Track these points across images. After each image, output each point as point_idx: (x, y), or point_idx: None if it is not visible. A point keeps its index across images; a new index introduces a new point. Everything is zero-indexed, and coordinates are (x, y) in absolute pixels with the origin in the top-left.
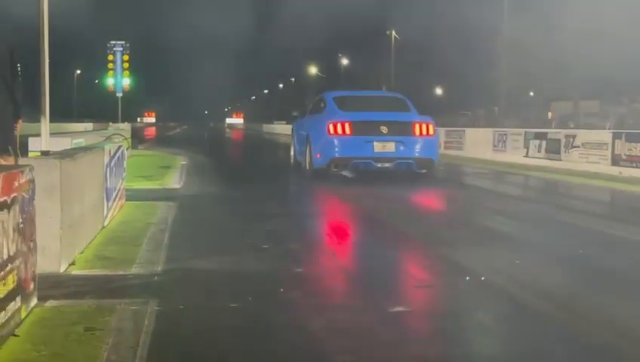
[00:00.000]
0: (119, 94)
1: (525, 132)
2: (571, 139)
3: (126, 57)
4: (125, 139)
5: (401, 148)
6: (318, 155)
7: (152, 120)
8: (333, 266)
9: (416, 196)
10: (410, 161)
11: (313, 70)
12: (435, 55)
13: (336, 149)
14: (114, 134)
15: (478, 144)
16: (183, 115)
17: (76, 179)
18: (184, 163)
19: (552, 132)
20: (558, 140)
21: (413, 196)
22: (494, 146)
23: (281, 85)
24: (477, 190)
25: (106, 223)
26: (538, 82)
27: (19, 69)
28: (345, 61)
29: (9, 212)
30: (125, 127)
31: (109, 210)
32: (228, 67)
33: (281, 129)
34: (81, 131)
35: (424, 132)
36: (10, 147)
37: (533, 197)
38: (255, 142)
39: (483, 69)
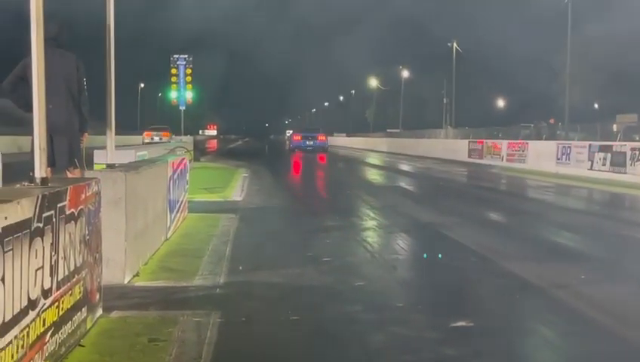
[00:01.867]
0: (182, 107)
1: (590, 145)
2: (637, 152)
3: (189, 71)
4: (188, 151)
5: (314, 143)
6: (291, 145)
7: (214, 132)
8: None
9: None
10: (317, 147)
11: (373, 83)
12: (497, 67)
13: (295, 143)
14: (177, 147)
15: (541, 157)
16: (244, 128)
17: (140, 191)
18: (245, 175)
19: (618, 145)
20: (624, 153)
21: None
22: (558, 159)
23: (341, 97)
24: (540, 204)
25: (169, 235)
26: (603, 94)
27: (85, 83)
28: (405, 73)
29: (76, 224)
30: (188, 139)
31: (172, 221)
32: (287, 80)
33: (342, 142)
34: (145, 144)
35: (322, 138)
36: (77, 160)
37: (597, 211)
38: (314, 154)
39: (546, 81)
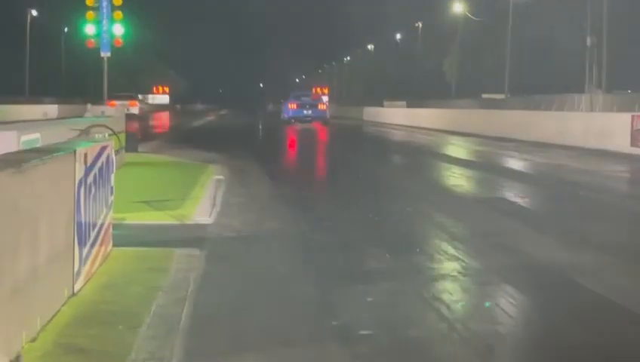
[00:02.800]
0: (105, 54)
1: None
2: None
3: None
4: (114, 134)
5: (312, 112)
6: (286, 115)
7: (165, 100)
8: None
9: None
10: (316, 117)
11: (458, 8)
12: None
13: (291, 113)
14: (94, 125)
15: None
16: (220, 92)
17: (24, 206)
18: (220, 178)
19: None
20: None
21: None
22: None
23: (398, 36)
24: None
25: (77, 287)
26: None
27: None
28: None
29: None
30: (115, 112)
31: (83, 262)
32: (300, 8)
33: (399, 116)
34: (38, 120)
35: (322, 107)
36: None
37: None
38: (347, 141)
39: None
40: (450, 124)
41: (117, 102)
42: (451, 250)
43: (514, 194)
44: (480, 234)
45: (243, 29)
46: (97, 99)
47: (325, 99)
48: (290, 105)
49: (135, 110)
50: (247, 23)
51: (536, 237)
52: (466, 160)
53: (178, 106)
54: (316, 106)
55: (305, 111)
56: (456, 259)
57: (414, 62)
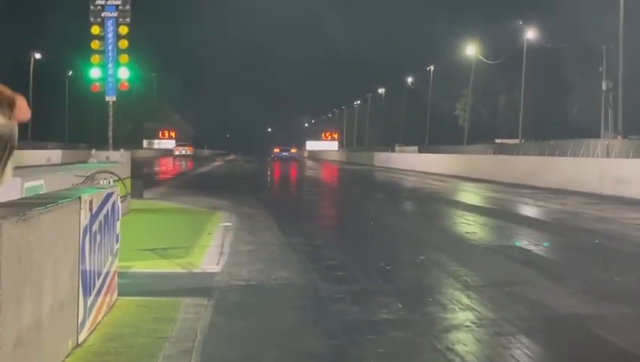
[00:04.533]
0: (111, 98)
1: None
2: None
3: (124, 30)
4: (120, 180)
5: (288, 154)
6: (273, 155)
7: (171, 145)
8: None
9: None
10: (290, 157)
11: (470, 51)
12: None
13: (275, 154)
14: (99, 172)
15: None
16: (227, 136)
17: (31, 255)
18: (228, 224)
19: None
20: None
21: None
22: None
23: (409, 79)
24: None
25: (81, 338)
26: None
27: None
28: (530, 34)
29: None
30: (120, 157)
31: (87, 312)
32: (311, 52)
33: (410, 162)
34: (41, 166)
35: (293, 151)
36: None
37: None
38: (357, 188)
39: None
40: (464, 170)
41: (179, 148)
42: (464, 300)
43: (528, 241)
44: (494, 284)
45: (252, 73)
46: (102, 144)
47: (295, 149)
48: (274, 150)
49: (190, 152)
50: (257, 66)
51: (553, 287)
52: (479, 206)
53: (185, 151)
54: (289, 151)
55: (283, 153)
56: (470, 308)
57: (426, 106)
